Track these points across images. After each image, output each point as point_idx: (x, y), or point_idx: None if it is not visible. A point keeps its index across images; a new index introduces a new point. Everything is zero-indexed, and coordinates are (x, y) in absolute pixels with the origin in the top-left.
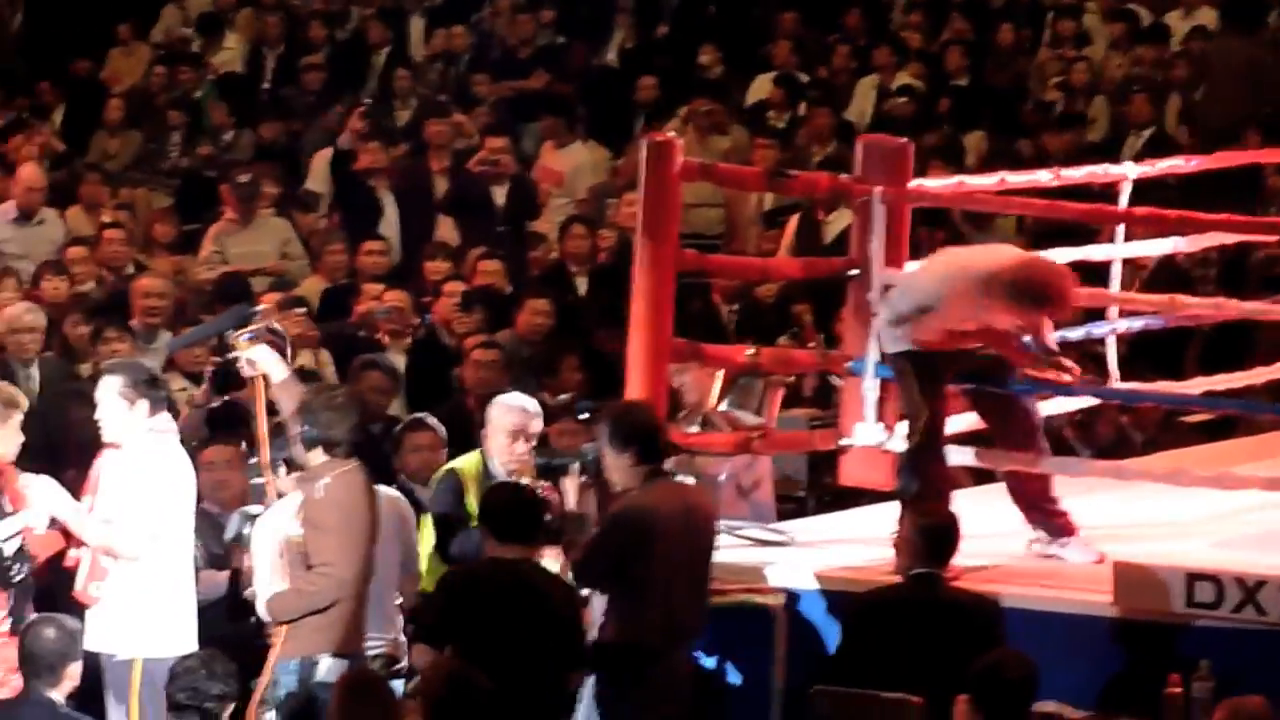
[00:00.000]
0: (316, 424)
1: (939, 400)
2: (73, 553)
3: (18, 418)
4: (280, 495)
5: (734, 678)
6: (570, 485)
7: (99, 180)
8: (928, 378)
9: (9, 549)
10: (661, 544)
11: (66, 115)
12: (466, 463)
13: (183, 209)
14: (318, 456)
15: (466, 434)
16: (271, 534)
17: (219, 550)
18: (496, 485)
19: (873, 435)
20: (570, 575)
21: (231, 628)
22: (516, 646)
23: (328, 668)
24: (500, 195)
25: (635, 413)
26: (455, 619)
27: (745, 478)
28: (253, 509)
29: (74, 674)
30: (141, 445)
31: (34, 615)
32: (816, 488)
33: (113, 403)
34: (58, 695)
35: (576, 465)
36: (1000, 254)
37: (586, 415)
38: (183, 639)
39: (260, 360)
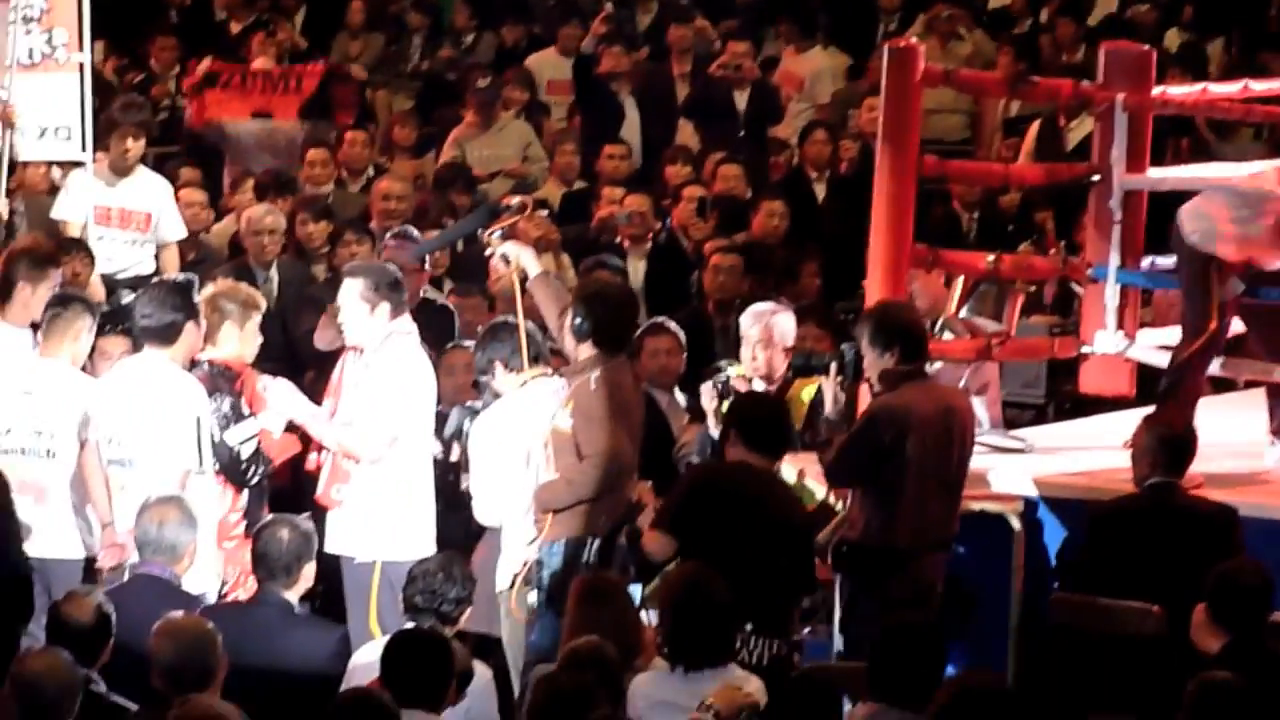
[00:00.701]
0: (590, 316)
1: (1224, 313)
2: (313, 456)
3: (256, 319)
4: (497, 395)
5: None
6: (828, 386)
7: (342, 83)
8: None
9: (245, 451)
10: (915, 445)
11: (307, 18)
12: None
13: (423, 112)
14: (588, 349)
15: (705, 339)
16: (490, 432)
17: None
18: (750, 394)
19: (1113, 343)
20: (825, 475)
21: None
22: (750, 553)
23: (594, 549)
24: (741, 100)
25: (898, 313)
26: (695, 513)
27: (973, 382)
28: (474, 404)
29: (308, 575)
30: (383, 348)
31: (268, 516)
32: (1056, 395)
33: (354, 306)
34: (292, 596)
35: (834, 365)
36: None
37: (846, 316)
38: (421, 542)
39: (515, 256)
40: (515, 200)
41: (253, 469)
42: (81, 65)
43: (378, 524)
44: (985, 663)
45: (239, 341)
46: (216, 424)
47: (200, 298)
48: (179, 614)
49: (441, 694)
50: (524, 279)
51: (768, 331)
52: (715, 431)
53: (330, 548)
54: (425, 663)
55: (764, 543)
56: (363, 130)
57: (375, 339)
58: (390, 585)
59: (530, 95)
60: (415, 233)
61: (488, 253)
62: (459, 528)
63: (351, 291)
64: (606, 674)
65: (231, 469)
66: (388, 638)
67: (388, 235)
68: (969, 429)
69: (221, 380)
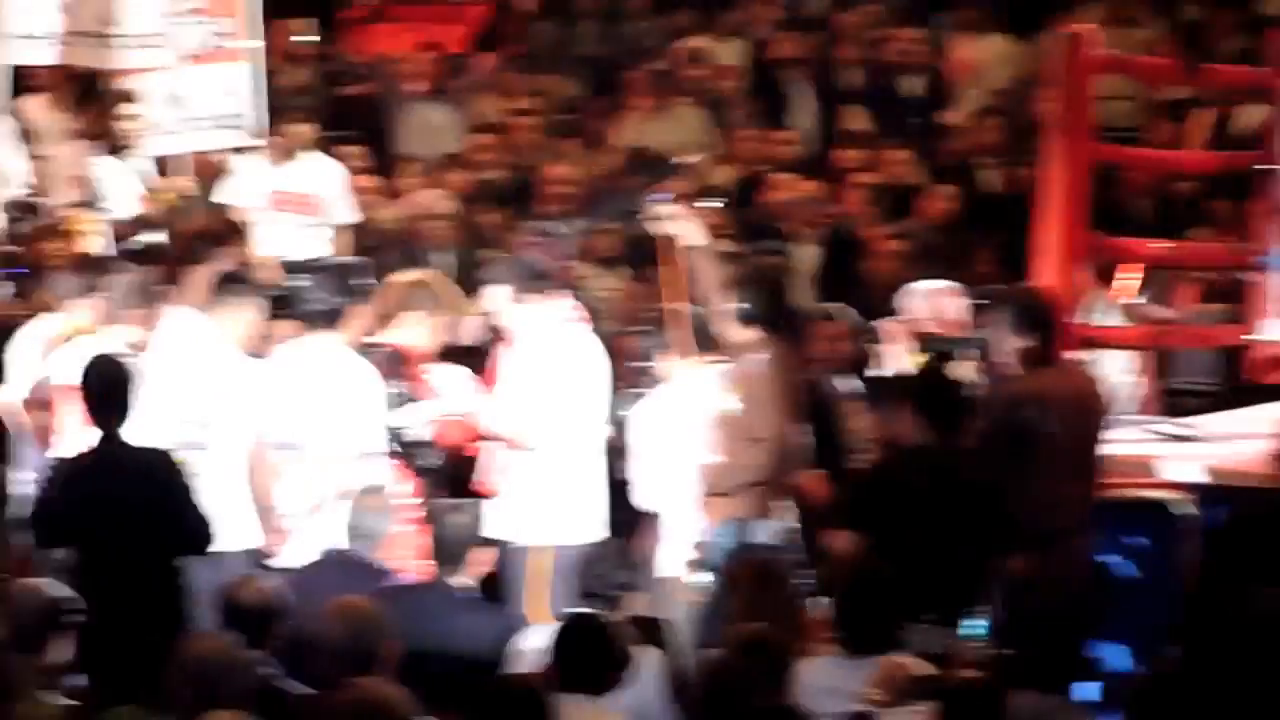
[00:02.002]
0: (750, 300)
1: None
2: (478, 444)
3: (447, 316)
4: (662, 381)
5: (1134, 574)
6: (966, 369)
7: (512, 66)
8: None
9: (417, 435)
10: (1052, 429)
11: None
12: None
13: (593, 96)
14: (750, 333)
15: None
16: (655, 418)
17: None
18: (929, 372)
19: None
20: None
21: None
22: (931, 540)
23: (761, 529)
24: (912, 86)
25: (1035, 297)
26: (875, 502)
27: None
28: (638, 390)
29: (479, 560)
30: (540, 334)
31: (440, 501)
32: (1226, 383)
33: (502, 297)
34: (462, 580)
35: (974, 350)
36: None
37: (983, 300)
38: (586, 527)
39: (680, 228)
40: (678, 163)
41: (425, 453)
42: (250, 52)
43: (537, 509)
44: (1149, 653)
45: (425, 332)
46: (389, 407)
47: (397, 279)
48: (349, 597)
49: (608, 679)
50: (685, 249)
51: (933, 307)
52: None
53: (491, 533)
54: (591, 648)
55: (941, 527)
56: (534, 115)
57: (530, 325)
58: (550, 571)
59: (708, 78)
60: (551, 229)
61: (650, 218)
62: (620, 513)
63: (495, 288)
64: (774, 659)
65: (404, 453)
66: (548, 623)
67: (531, 231)
68: (1102, 412)
69: (394, 364)
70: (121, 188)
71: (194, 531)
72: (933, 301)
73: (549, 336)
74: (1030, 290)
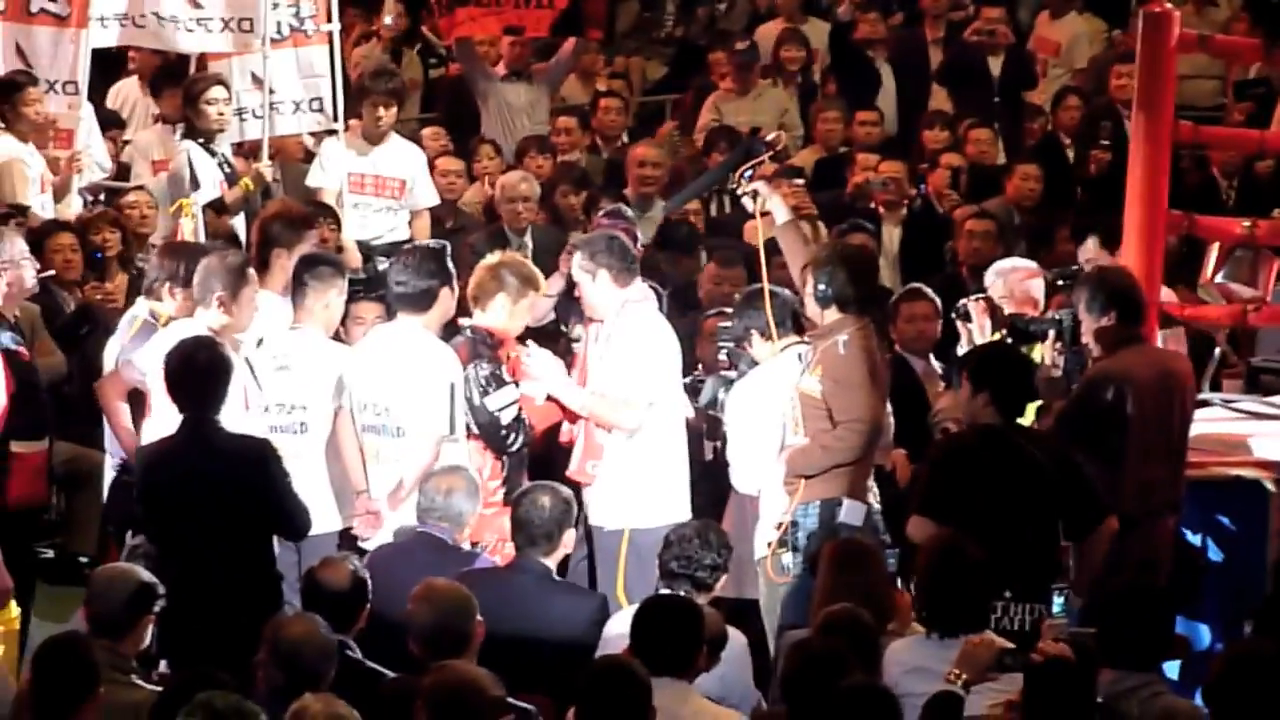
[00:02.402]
0: (833, 281)
1: None
2: (567, 428)
3: (531, 299)
4: (754, 363)
5: (1220, 553)
6: (1047, 352)
7: (594, 49)
8: None
9: (506, 418)
10: (1136, 408)
11: None
12: None
13: (676, 78)
14: (833, 314)
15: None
16: (748, 400)
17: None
18: (1000, 351)
19: None
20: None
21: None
22: (1005, 519)
23: (848, 509)
24: (996, 66)
25: (1116, 277)
26: (950, 486)
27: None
28: (729, 374)
29: (568, 542)
30: (620, 318)
31: (529, 484)
32: None
33: (580, 278)
34: (550, 563)
35: (1052, 331)
36: None
37: (1064, 281)
38: (673, 508)
39: (765, 196)
40: (769, 137)
41: (513, 436)
42: (330, 35)
43: (628, 492)
44: (1236, 631)
45: (508, 315)
46: (476, 389)
47: (486, 263)
48: (439, 579)
49: (691, 661)
50: (770, 223)
51: (1009, 286)
52: None
53: (584, 518)
54: (674, 630)
55: (1017, 507)
56: (617, 97)
57: (609, 309)
58: (638, 553)
59: (807, 55)
60: (628, 211)
61: (739, 193)
62: (706, 495)
63: (576, 266)
64: (861, 640)
65: (492, 435)
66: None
67: (600, 214)
68: (1190, 392)
69: (483, 347)
70: (205, 173)
71: (290, 519)
72: (1009, 280)
73: (641, 319)
74: (1112, 270)
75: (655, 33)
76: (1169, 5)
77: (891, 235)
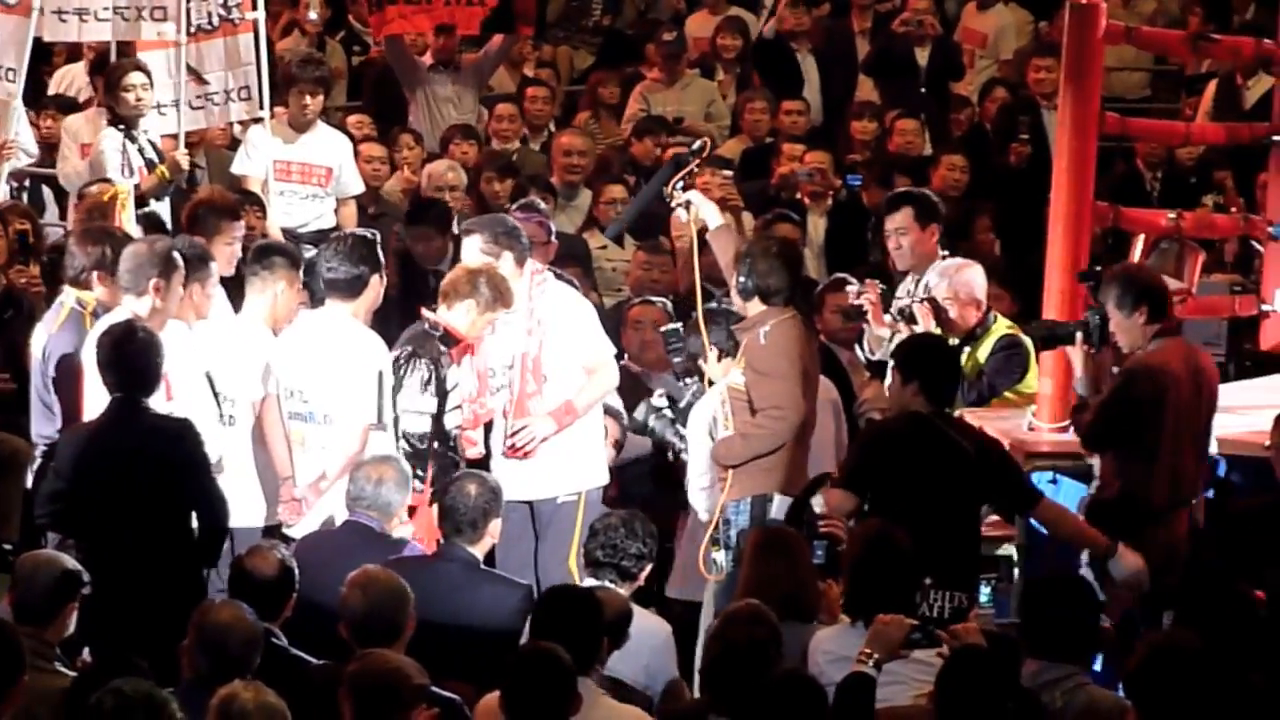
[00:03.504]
0: (754, 273)
1: None
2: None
3: (499, 314)
4: (711, 382)
5: None
6: (1076, 353)
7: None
8: None
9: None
10: (1172, 403)
11: None
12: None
13: (604, 67)
14: (755, 306)
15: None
16: (703, 424)
17: (640, 419)
18: (928, 340)
19: None
20: (1080, 438)
21: (652, 488)
22: (928, 505)
23: (779, 505)
24: (923, 57)
25: (1144, 273)
26: (873, 468)
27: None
28: (658, 400)
29: (494, 532)
30: (543, 294)
31: (458, 472)
32: (1237, 353)
33: (476, 260)
34: (477, 552)
35: (1079, 334)
36: None
37: (1089, 280)
38: (605, 458)
39: (697, 206)
40: (695, 144)
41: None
42: (255, 23)
43: (579, 455)
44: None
45: (469, 323)
46: (419, 385)
47: (468, 266)
48: (374, 567)
49: (594, 656)
50: (703, 231)
51: (953, 288)
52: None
53: (525, 495)
54: (573, 622)
55: (942, 494)
56: (544, 86)
57: (521, 289)
58: (596, 511)
59: (744, 44)
60: (540, 204)
61: (673, 205)
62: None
63: (471, 247)
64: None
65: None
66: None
67: (514, 207)
68: (1215, 386)
69: (436, 342)
70: (126, 160)
71: (209, 502)
72: (954, 281)
73: (561, 289)
74: (1136, 266)
75: (583, 22)
76: None
77: (817, 226)
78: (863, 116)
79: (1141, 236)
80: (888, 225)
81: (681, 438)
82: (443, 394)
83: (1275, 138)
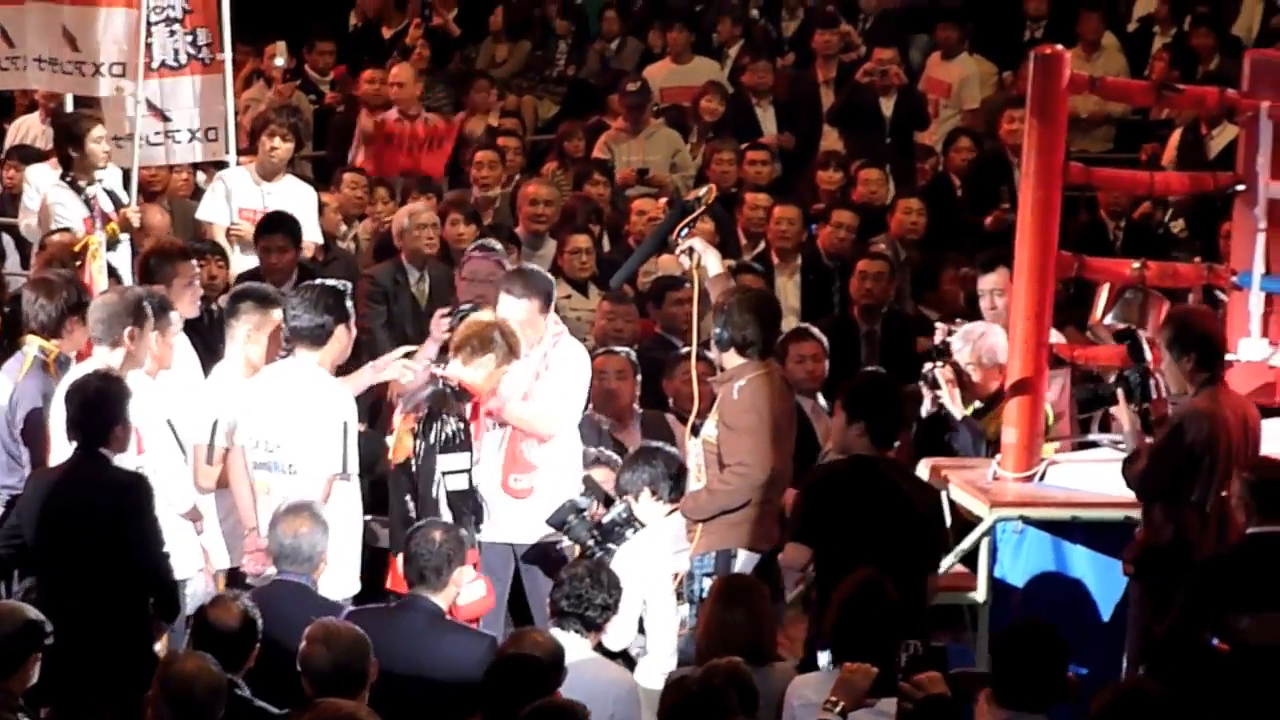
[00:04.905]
0: (730, 325)
1: None
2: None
3: (511, 368)
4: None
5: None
6: (1123, 410)
7: (487, 86)
8: None
9: (453, 483)
10: (1222, 449)
11: (458, 18)
12: None
13: (568, 116)
14: (732, 358)
15: (850, 345)
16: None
17: (560, 516)
18: (873, 380)
19: (1258, 350)
20: (1134, 488)
21: None
22: (877, 548)
23: (743, 561)
24: (888, 106)
25: (1194, 319)
26: (820, 516)
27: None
28: (580, 501)
29: (458, 581)
30: (560, 347)
31: (423, 521)
32: None
33: (515, 306)
34: (441, 601)
35: (1121, 393)
36: None
37: (1126, 341)
38: None
39: (700, 252)
40: (701, 190)
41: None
42: (223, 65)
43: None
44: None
45: (485, 378)
46: (439, 445)
47: (482, 318)
48: (332, 620)
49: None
50: (703, 277)
51: (976, 353)
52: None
53: (523, 537)
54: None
55: (886, 540)
56: (510, 135)
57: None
58: None
59: (725, 107)
60: (496, 245)
61: (676, 251)
62: None
63: (512, 296)
64: (728, 681)
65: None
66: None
67: (470, 247)
68: (1260, 432)
69: (455, 400)
70: (73, 211)
71: (152, 558)
72: (978, 346)
73: (578, 350)
74: (1187, 313)
75: (547, 72)
76: (1060, 48)
77: (785, 287)
78: (828, 166)
79: (1106, 286)
80: (981, 284)
81: (597, 542)
82: (470, 447)
83: (1239, 187)
